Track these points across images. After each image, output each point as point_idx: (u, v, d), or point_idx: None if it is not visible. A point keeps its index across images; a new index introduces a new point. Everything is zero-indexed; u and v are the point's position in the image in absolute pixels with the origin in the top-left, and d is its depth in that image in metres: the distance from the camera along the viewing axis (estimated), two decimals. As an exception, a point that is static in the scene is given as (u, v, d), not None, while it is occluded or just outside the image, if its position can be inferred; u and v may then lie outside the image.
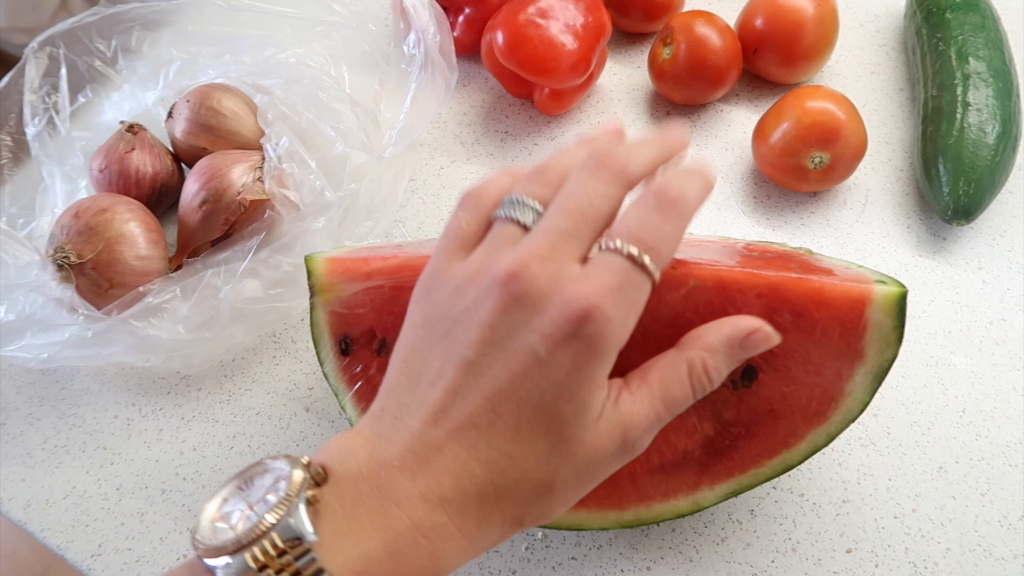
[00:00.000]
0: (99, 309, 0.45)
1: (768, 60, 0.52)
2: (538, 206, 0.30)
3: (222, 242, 0.49)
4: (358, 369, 0.39)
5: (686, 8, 0.58)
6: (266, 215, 0.47)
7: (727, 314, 0.32)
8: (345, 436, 0.30)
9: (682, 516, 0.35)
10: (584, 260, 0.29)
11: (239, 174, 0.48)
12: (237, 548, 0.25)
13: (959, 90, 0.46)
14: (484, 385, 0.29)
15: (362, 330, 0.39)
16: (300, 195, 0.48)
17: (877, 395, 0.41)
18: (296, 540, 0.26)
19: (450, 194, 0.52)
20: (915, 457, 0.40)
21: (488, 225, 0.32)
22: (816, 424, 0.34)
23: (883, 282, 0.32)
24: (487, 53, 0.52)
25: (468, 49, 0.56)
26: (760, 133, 0.48)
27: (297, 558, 0.25)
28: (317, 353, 0.39)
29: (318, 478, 0.28)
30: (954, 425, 0.41)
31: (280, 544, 0.25)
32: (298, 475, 0.27)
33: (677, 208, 0.29)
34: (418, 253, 0.39)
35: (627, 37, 0.58)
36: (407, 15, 0.46)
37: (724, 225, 0.48)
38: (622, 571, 0.38)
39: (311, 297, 0.39)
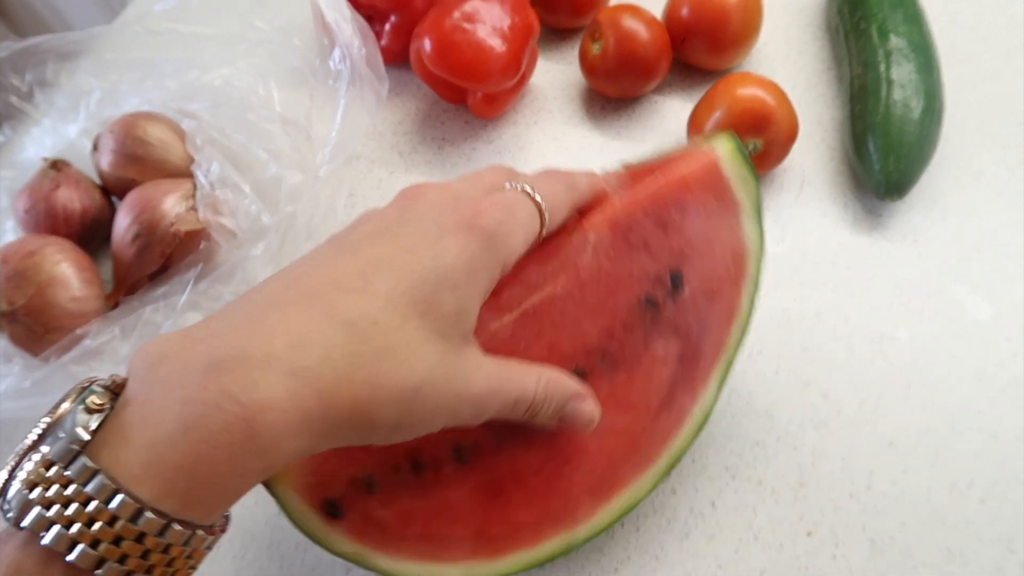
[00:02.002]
0: (36, 356, 0.43)
1: (697, 49, 0.52)
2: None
3: (160, 275, 0.47)
4: (360, 521, 0.34)
5: (613, 2, 0.58)
6: (202, 245, 0.46)
7: (629, 241, 0.36)
8: (164, 334, 0.26)
9: (700, 430, 0.36)
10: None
11: (171, 204, 0.47)
12: (6, 478, 0.22)
13: (882, 67, 0.47)
14: (361, 257, 0.26)
15: (341, 484, 0.34)
16: (236, 221, 0.47)
17: (827, 376, 0.42)
18: (72, 449, 0.22)
19: (391, 206, 0.51)
20: (866, 434, 0.41)
21: None
22: (741, 282, 0.37)
23: (712, 143, 0.37)
24: (416, 61, 0.51)
25: (397, 57, 0.55)
26: (694, 124, 0.48)
27: (67, 466, 0.22)
28: (307, 534, 0.34)
29: (113, 387, 0.24)
30: (901, 399, 0.42)
31: (50, 458, 0.22)
32: (75, 387, 0.24)
33: (568, 180, 0.35)
34: None
35: (556, 33, 0.58)
36: (330, 31, 0.45)
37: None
38: (589, 575, 0.38)
39: (271, 490, 0.34)
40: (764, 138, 0.46)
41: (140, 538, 0.22)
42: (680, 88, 0.54)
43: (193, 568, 0.24)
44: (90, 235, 0.50)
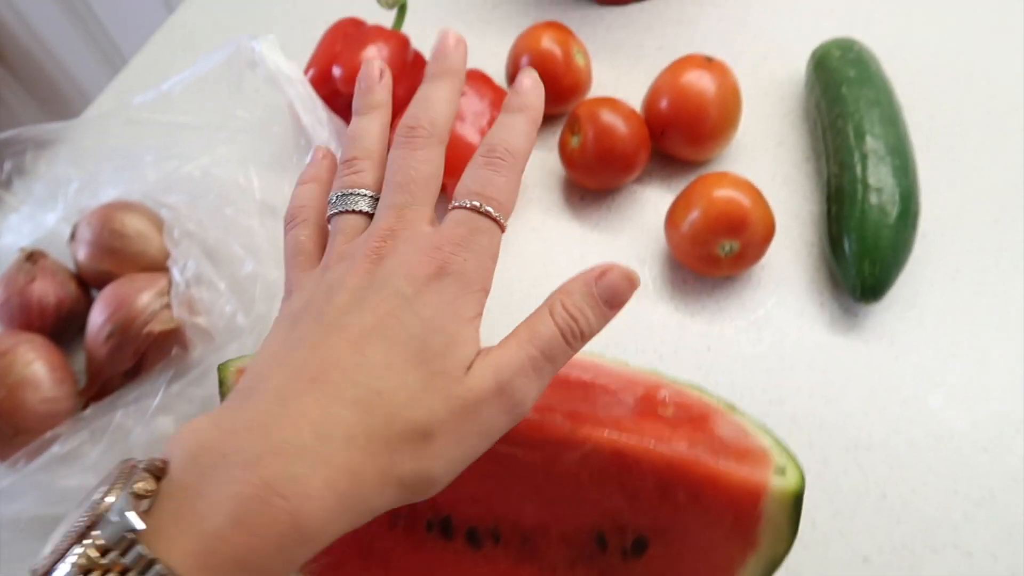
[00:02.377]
0: (5, 459, 0.43)
1: (676, 141, 0.52)
2: (367, 192, 0.33)
3: (134, 374, 0.47)
4: None
5: (593, 90, 0.58)
6: (174, 349, 0.46)
7: (621, 482, 0.32)
8: (193, 420, 0.27)
9: None
10: (432, 223, 0.31)
11: (145, 303, 0.47)
12: (55, 559, 0.23)
13: (859, 169, 0.47)
14: (350, 332, 0.28)
15: None
16: (211, 320, 0.47)
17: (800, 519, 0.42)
18: (127, 537, 0.23)
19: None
20: (840, 548, 0.40)
21: (325, 232, 0.34)
22: None
23: (783, 471, 0.32)
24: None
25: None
26: (671, 222, 0.48)
27: (123, 553, 0.23)
28: None
29: (155, 471, 0.25)
30: (875, 511, 0.41)
31: (103, 542, 0.23)
32: (116, 470, 0.25)
33: (506, 161, 0.32)
34: None
35: (538, 119, 0.58)
36: (306, 133, 0.45)
37: (644, 314, 0.49)
38: None
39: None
40: (740, 240, 0.46)
41: None
42: (660, 178, 0.54)
43: None
44: (64, 327, 0.50)
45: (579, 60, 0.55)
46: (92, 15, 1.33)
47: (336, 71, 0.52)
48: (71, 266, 0.52)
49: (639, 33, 0.63)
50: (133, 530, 0.23)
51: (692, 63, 0.51)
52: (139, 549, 0.23)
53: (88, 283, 0.51)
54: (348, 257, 0.31)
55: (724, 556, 0.33)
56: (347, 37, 0.54)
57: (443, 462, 0.28)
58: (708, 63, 0.51)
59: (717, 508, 0.33)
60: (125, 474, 0.25)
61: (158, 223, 0.51)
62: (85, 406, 0.47)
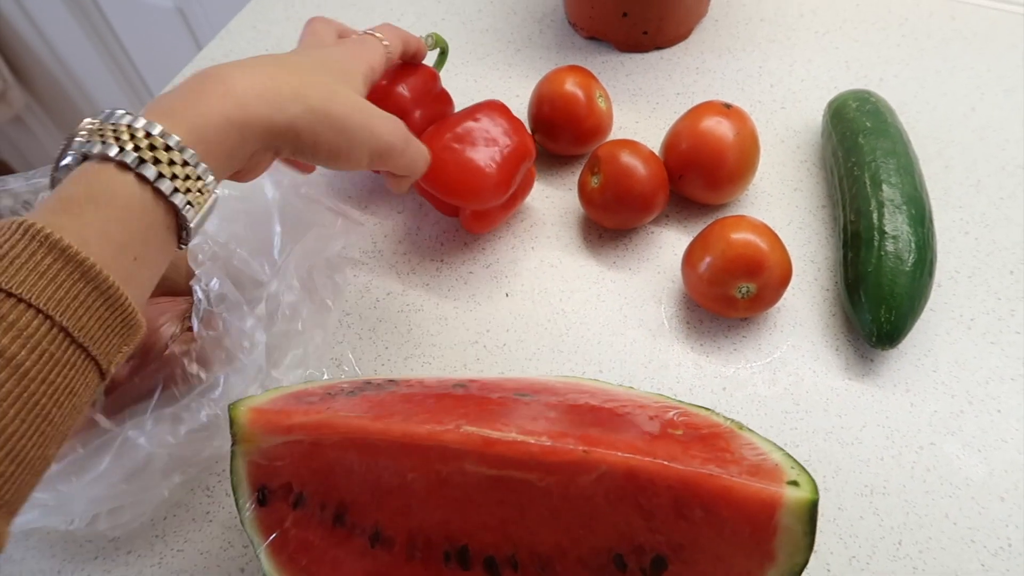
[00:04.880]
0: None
1: (694, 184, 0.53)
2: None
3: (154, 392, 0.47)
4: (274, 520, 0.38)
5: (614, 133, 0.59)
6: (195, 367, 0.46)
7: (637, 502, 0.32)
8: None
9: None
10: None
11: (167, 325, 0.47)
12: (66, 144, 0.33)
13: (875, 217, 0.48)
14: (290, 60, 0.41)
15: (280, 482, 0.38)
16: (231, 339, 0.47)
17: (816, 530, 0.42)
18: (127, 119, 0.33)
19: (386, 328, 0.52)
20: (855, 595, 0.40)
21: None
22: None
23: (796, 483, 0.32)
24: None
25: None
26: (688, 262, 0.49)
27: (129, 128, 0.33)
28: (236, 500, 0.39)
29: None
30: (891, 558, 0.41)
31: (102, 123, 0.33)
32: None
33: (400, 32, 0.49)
34: (345, 411, 0.38)
35: (558, 160, 0.59)
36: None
37: (659, 352, 0.49)
38: None
39: (232, 445, 0.39)
40: (757, 282, 0.46)
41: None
42: (677, 220, 0.55)
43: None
44: (86, 347, 0.50)
45: (601, 103, 0.57)
46: (121, 48, 1.36)
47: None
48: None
49: (659, 80, 0.64)
50: (131, 116, 0.33)
51: (711, 109, 0.52)
52: (137, 120, 0.33)
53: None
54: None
55: (743, 570, 0.33)
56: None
57: (344, 99, 0.40)
58: (727, 109, 0.52)
59: (733, 522, 0.33)
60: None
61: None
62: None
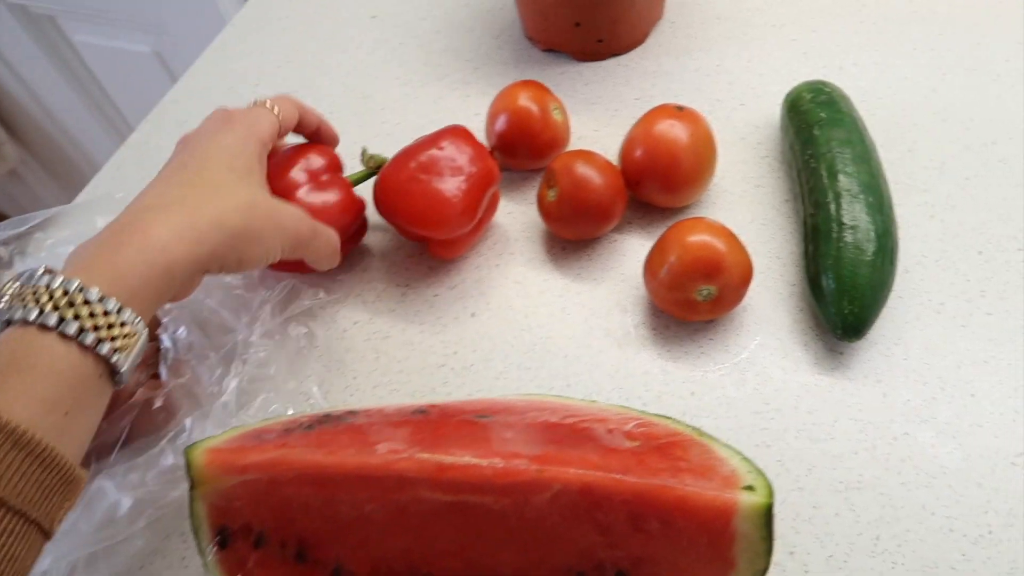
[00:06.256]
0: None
1: (652, 189, 0.53)
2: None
3: (122, 443, 0.48)
4: (237, 562, 0.38)
5: (573, 143, 0.59)
6: (161, 415, 0.47)
7: (594, 518, 0.32)
8: None
9: None
10: None
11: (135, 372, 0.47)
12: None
13: (833, 208, 0.47)
14: (175, 163, 0.43)
15: (240, 523, 0.38)
16: (199, 385, 0.47)
17: (792, 531, 0.41)
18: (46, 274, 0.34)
19: (353, 357, 0.51)
20: (834, 596, 0.39)
21: None
22: None
23: (752, 488, 0.32)
24: (377, 204, 0.52)
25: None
26: (649, 269, 0.48)
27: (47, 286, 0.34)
28: (197, 544, 0.39)
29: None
30: (869, 554, 0.40)
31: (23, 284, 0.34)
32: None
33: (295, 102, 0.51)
34: (300, 446, 0.38)
35: (519, 174, 0.59)
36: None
37: (625, 361, 0.48)
38: None
39: (190, 489, 0.39)
40: (717, 284, 0.46)
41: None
42: (639, 226, 0.55)
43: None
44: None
45: (556, 116, 0.56)
46: (105, 95, 1.38)
47: None
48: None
49: (617, 86, 0.64)
50: (50, 271, 0.34)
51: (663, 113, 0.52)
52: (55, 280, 0.34)
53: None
54: None
55: None
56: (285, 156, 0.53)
57: (259, 226, 0.42)
58: (679, 112, 0.52)
59: (690, 532, 0.32)
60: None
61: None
62: (74, 477, 0.47)
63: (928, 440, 0.43)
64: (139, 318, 0.35)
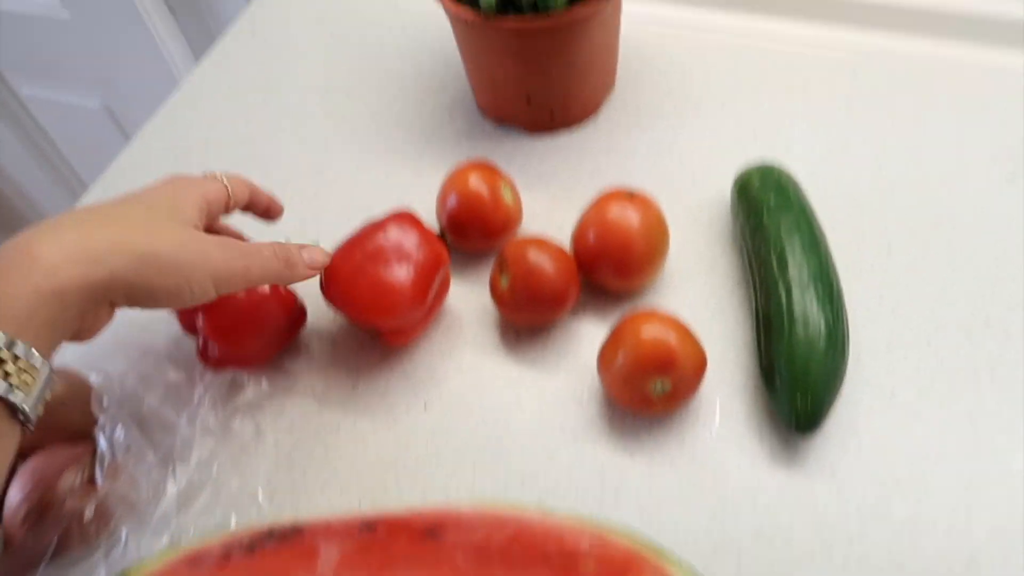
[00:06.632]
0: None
1: (605, 274, 0.52)
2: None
3: (55, 551, 0.45)
4: None
5: (526, 220, 0.58)
6: (96, 523, 0.44)
7: None
8: None
9: None
10: None
11: (67, 478, 0.45)
12: None
13: (784, 299, 0.47)
14: (115, 210, 0.41)
15: None
16: (137, 491, 0.45)
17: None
18: None
19: (302, 454, 0.50)
20: None
21: None
22: None
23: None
24: (325, 294, 0.51)
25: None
26: (603, 362, 0.48)
27: None
28: None
29: None
30: (829, 665, 0.39)
31: None
32: None
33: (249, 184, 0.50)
34: (247, 565, 0.36)
35: (471, 257, 0.58)
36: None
37: (581, 457, 0.47)
38: None
39: None
40: (671, 377, 0.45)
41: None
42: (594, 310, 0.54)
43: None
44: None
45: (507, 197, 0.56)
46: (55, 150, 1.35)
47: None
48: None
49: (570, 160, 0.64)
50: None
51: (615, 198, 0.52)
52: None
53: (12, 456, 0.50)
54: None
55: None
56: None
57: (191, 262, 0.40)
58: (631, 197, 0.52)
59: None
60: None
61: (86, 389, 0.50)
62: (2, 594, 0.45)
63: (883, 540, 0.43)
64: (35, 352, 0.33)
